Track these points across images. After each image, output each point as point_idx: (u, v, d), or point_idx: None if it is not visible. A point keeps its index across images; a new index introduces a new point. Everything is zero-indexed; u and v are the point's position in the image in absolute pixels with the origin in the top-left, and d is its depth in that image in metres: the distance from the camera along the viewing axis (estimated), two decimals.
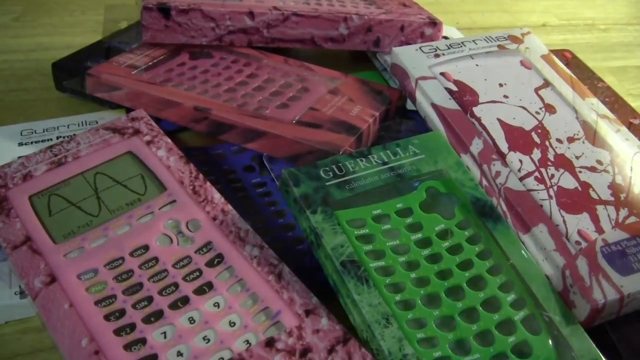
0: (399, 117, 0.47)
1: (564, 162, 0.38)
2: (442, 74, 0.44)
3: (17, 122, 0.47)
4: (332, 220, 0.33)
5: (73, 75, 0.48)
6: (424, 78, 0.43)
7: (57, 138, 0.46)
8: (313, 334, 0.30)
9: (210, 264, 0.33)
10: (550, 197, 0.36)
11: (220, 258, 0.33)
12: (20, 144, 0.45)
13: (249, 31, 0.50)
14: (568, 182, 0.37)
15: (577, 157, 0.38)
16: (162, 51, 0.50)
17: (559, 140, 0.40)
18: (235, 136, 0.42)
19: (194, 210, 0.35)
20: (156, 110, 0.44)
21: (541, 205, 0.35)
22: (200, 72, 0.48)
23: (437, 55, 0.45)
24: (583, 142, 0.40)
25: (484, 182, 0.37)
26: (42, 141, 0.46)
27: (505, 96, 0.42)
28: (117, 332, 0.30)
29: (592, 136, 0.40)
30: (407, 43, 0.53)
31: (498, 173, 0.37)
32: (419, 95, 0.43)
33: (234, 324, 0.30)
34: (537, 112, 0.41)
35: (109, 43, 0.54)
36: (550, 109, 0.42)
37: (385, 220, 0.34)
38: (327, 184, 0.35)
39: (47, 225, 0.35)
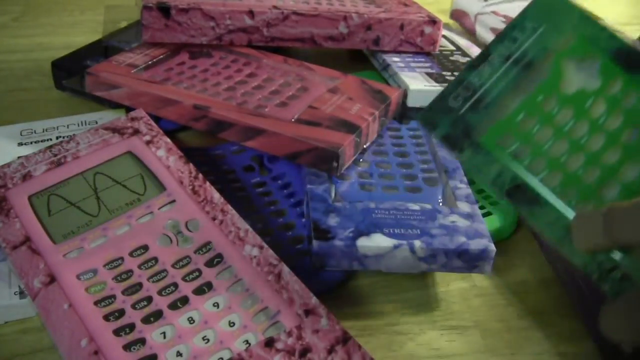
0: (399, 116, 0.47)
1: None
2: (492, 12, 0.61)
3: (17, 122, 0.47)
4: (482, 150, 0.30)
5: (72, 74, 0.48)
6: (481, 14, 0.62)
7: (57, 138, 0.46)
8: (312, 334, 0.30)
9: (209, 264, 0.33)
10: None
11: (219, 258, 0.33)
12: (20, 144, 0.45)
13: (249, 30, 0.50)
14: None
15: None
16: (162, 50, 0.50)
17: None
18: (235, 134, 0.42)
19: (193, 210, 0.35)
20: (155, 108, 0.44)
21: None
22: (200, 71, 0.48)
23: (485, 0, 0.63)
24: None
25: None
26: (41, 141, 0.46)
27: None
28: (117, 332, 0.30)
29: None
30: (407, 42, 0.53)
31: None
32: (478, 29, 0.60)
33: (234, 324, 0.30)
34: None
35: (109, 42, 0.54)
36: None
37: (532, 123, 0.31)
38: (461, 112, 0.32)
39: (47, 225, 0.35)
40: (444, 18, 0.56)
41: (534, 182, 0.29)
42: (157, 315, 0.30)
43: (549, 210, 0.29)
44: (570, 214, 0.28)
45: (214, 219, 0.35)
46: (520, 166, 0.30)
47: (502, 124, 0.31)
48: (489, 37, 0.61)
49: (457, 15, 0.66)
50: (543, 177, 0.30)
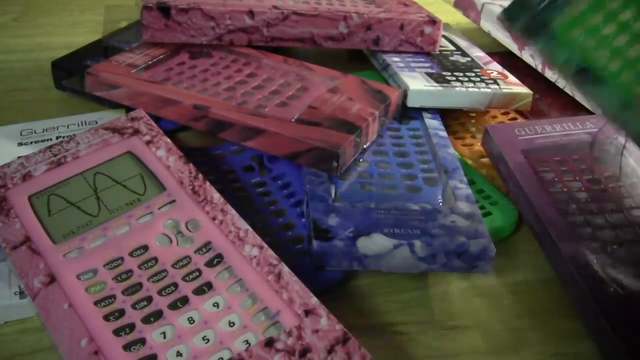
0: (399, 116, 0.47)
1: None
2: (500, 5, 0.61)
3: (17, 122, 0.47)
4: (554, 41, 0.34)
5: (72, 74, 0.48)
6: (488, 3, 0.62)
7: (57, 138, 0.46)
8: (312, 334, 0.30)
9: (209, 264, 0.33)
10: None
11: (219, 258, 0.33)
12: (20, 144, 0.45)
13: (249, 30, 0.50)
14: None
15: None
16: (162, 50, 0.50)
17: None
18: (235, 134, 0.42)
19: (193, 210, 0.35)
20: (155, 108, 0.44)
21: None
22: (200, 71, 0.48)
23: None
24: None
25: None
26: (41, 141, 0.46)
27: None
28: (117, 332, 0.30)
29: None
30: (407, 42, 0.53)
31: None
32: (484, 19, 0.61)
33: (234, 324, 0.30)
34: None
35: (109, 42, 0.54)
36: None
37: (599, 19, 0.34)
38: (540, 8, 0.35)
39: (47, 225, 0.35)
40: (444, 19, 0.56)
41: (597, 66, 0.33)
42: (157, 315, 0.30)
43: (610, 87, 0.32)
44: (629, 89, 0.31)
45: (214, 219, 0.35)
46: (587, 54, 0.33)
47: (573, 19, 0.35)
48: (493, 28, 0.60)
49: (462, 4, 0.66)
50: (605, 62, 0.33)
